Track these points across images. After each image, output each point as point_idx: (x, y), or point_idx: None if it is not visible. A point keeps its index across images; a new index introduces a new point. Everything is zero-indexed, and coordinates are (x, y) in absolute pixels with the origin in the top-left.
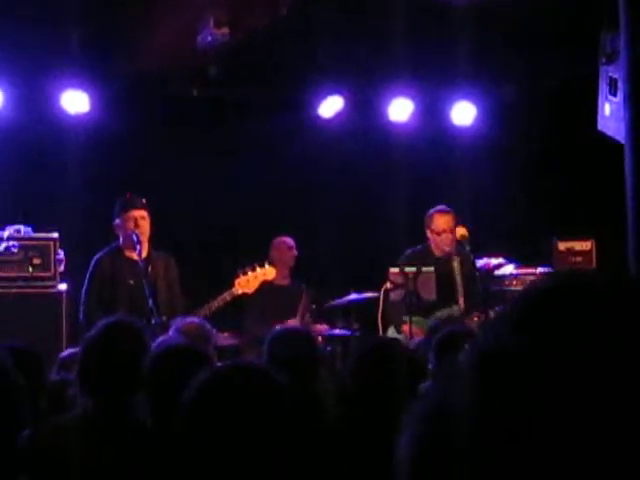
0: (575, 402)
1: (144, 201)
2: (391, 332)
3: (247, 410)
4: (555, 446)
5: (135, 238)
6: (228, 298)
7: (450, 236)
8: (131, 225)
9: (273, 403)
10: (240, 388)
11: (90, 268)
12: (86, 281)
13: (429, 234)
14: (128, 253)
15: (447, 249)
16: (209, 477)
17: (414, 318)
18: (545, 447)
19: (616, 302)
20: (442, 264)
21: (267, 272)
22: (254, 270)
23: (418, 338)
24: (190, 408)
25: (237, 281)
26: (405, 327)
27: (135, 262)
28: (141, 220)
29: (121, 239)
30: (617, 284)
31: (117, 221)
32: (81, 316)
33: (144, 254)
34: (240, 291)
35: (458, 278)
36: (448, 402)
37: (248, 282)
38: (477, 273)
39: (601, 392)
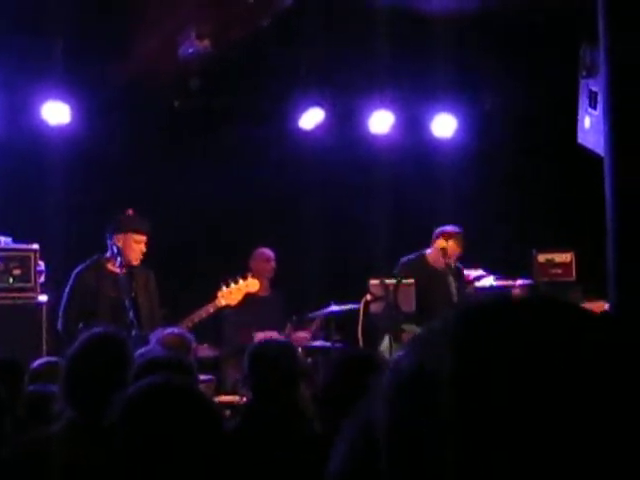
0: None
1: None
2: (386, 342)
3: (172, 427)
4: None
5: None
6: (211, 310)
7: (454, 258)
8: (138, 248)
9: (195, 418)
10: (160, 406)
11: (70, 280)
12: (66, 293)
13: (436, 247)
14: (110, 266)
15: (445, 265)
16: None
17: (406, 326)
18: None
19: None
20: (439, 276)
21: (250, 284)
22: (237, 282)
23: None
24: (113, 428)
25: (220, 293)
26: (405, 336)
27: (117, 275)
28: (143, 245)
29: (110, 252)
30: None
31: (115, 236)
32: (59, 327)
33: (134, 263)
34: (223, 303)
35: (454, 290)
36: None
37: (231, 294)
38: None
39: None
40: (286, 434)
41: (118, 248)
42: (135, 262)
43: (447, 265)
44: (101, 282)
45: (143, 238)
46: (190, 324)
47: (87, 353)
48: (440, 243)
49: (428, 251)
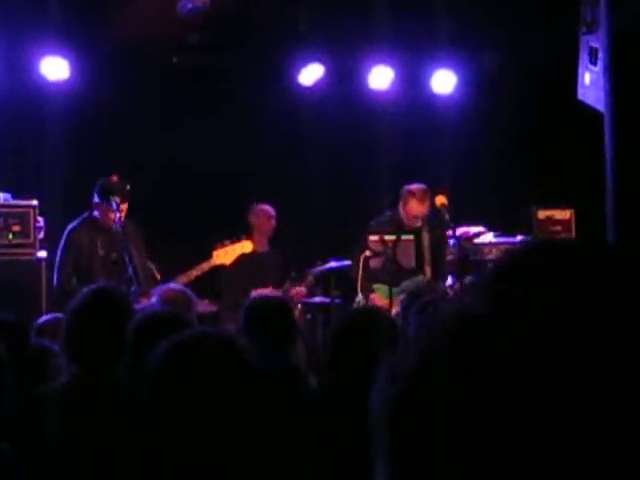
0: (545, 364)
1: (128, 188)
2: (359, 300)
3: (212, 377)
4: (529, 408)
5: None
6: (205, 268)
7: (422, 218)
8: (112, 215)
9: (238, 370)
10: (205, 354)
11: (64, 237)
12: (59, 250)
13: (401, 209)
14: (102, 223)
15: (420, 224)
16: (178, 443)
17: (376, 286)
18: (519, 411)
19: (589, 268)
20: (412, 234)
21: (244, 246)
22: (232, 243)
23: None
24: (155, 375)
25: (215, 253)
26: (373, 296)
27: (109, 232)
28: (123, 212)
29: (97, 214)
30: (593, 251)
31: (97, 201)
32: (55, 283)
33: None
34: (218, 262)
35: (426, 249)
36: (425, 364)
37: (226, 254)
38: (453, 242)
39: (571, 355)
40: (280, 390)
41: (90, 212)
42: (112, 225)
43: (421, 220)
44: (94, 239)
45: (123, 206)
46: (186, 280)
47: (88, 308)
48: (404, 201)
49: (400, 210)
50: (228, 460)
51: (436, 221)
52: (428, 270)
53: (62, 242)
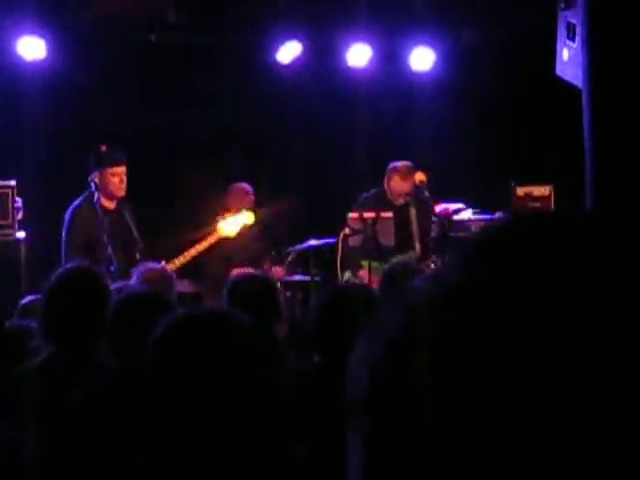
0: (521, 337)
1: (122, 153)
2: (347, 276)
3: (212, 350)
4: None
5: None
6: (212, 240)
7: (406, 194)
8: (116, 181)
9: (237, 342)
10: (206, 328)
11: (67, 219)
12: (65, 231)
13: (386, 186)
14: (103, 202)
15: (404, 201)
16: (175, 417)
17: (372, 263)
18: (493, 382)
19: (571, 237)
20: (399, 210)
21: (248, 217)
22: (234, 215)
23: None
24: (156, 348)
25: (218, 225)
26: (362, 272)
27: (108, 212)
28: (123, 176)
29: (97, 191)
30: (568, 220)
31: (95, 174)
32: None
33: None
34: (223, 234)
35: (414, 225)
36: (400, 336)
37: (229, 226)
38: (433, 219)
39: (546, 325)
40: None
41: (96, 185)
42: (119, 193)
43: (407, 197)
44: (97, 220)
45: (119, 170)
46: (194, 253)
47: (62, 288)
48: (388, 178)
49: (385, 186)
50: (228, 438)
51: (419, 199)
52: (418, 246)
53: (65, 224)
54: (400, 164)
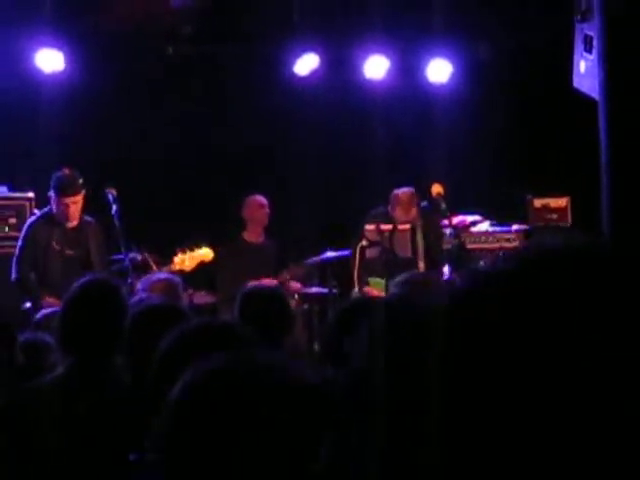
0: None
1: (80, 182)
2: (356, 292)
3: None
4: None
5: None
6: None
7: (412, 219)
8: (64, 209)
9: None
10: (234, 395)
11: (24, 231)
12: (20, 242)
13: (390, 211)
14: (58, 218)
15: (409, 226)
16: (184, 432)
17: (372, 280)
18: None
19: (590, 277)
20: (404, 231)
21: (205, 254)
22: (192, 250)
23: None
24: (177, 415)
25: (175, 258)
26: (367, 288)
27: (65, 227)
28: (72, 205)
29: (54, 209)
30: (593, 255)
31: (51, 194)
32: (13, 275)
33: (74, 224)
34: (177, 268)
35: (419, 243)
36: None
37: (183, 262)
38: (447, 231)
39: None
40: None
41: (51, 207)
42: (68, 222)
43: (413, 221)
44: (51, 233)
45: (69, 200)
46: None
47: (82, 301)
48: (392, 205)
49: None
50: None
51: (431, 211)
52: (422, 265)
53: (22, 234)
54: (401, 194)
